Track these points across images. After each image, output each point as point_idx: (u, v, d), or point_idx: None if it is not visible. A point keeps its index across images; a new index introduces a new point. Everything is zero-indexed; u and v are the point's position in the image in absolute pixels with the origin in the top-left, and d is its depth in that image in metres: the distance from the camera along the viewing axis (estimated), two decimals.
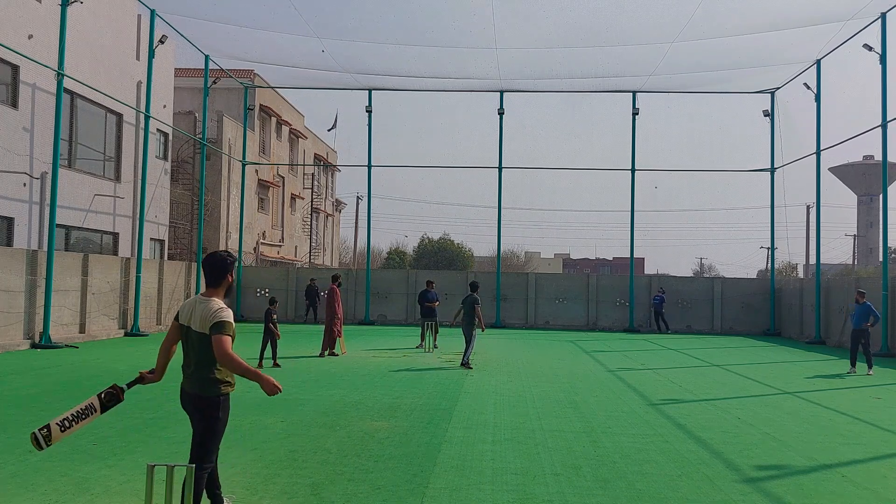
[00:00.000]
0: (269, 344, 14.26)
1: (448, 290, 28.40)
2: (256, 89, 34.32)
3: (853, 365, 15.49)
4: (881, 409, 10.84)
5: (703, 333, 28.08)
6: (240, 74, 31.59)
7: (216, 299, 4.79)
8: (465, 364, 14.46)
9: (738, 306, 28.84)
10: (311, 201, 47.70)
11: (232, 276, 4.91)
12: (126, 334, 20.81)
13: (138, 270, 21.24)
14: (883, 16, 20.77)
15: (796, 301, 26.71)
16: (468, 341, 14.80)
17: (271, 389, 4.60)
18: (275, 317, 14.24)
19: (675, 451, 7.61)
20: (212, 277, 4.86)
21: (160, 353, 4.96)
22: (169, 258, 28.55)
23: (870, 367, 15.37)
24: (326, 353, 16.34)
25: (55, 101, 18.06)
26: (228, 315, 4.69)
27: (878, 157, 25.79)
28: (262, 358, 14.20)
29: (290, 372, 13.32)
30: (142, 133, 23.51)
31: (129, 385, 4.80)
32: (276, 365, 13.95)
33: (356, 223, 58.61)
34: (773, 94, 28.51)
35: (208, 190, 31.55)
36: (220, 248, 4.14)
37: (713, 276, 41.09)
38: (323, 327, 17.39)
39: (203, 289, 4.93)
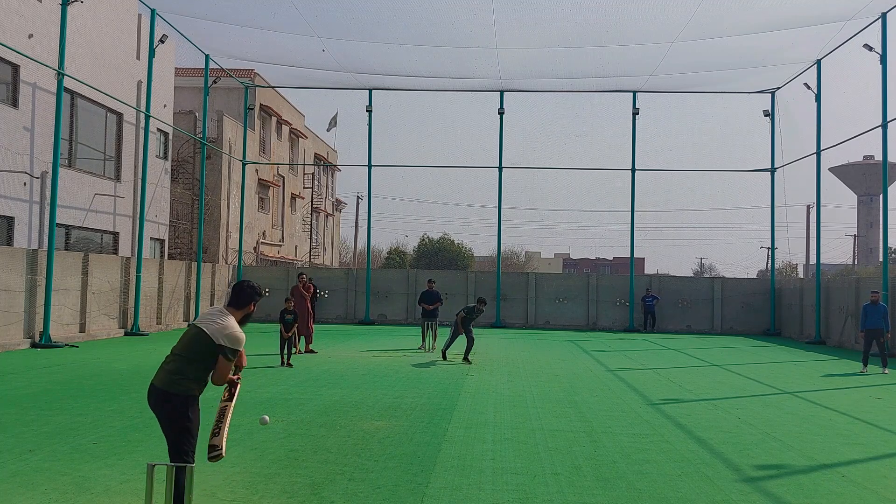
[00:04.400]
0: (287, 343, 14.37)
1: (448, 290, 28.38)
2: (256, 89, 34.31)
3: (865, 364, 15.58)
4: (881, 409, 10.84)
5: (703, 333, 28.07)
6: (240, 74, 31.59)
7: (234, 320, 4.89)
8: (466, 360, 15.58)
9: (738, 306, 28.83)
10: (312, 201, 47.69)
11: (254, 306, 5.13)
12: (126, 334, 20.81)
13: (138, 270, 21.24)
14: (883, 16, 20.77)
15: (796, 301, 26.71)
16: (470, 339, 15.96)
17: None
18: (289, 317, 14.41)
19: (675, 450, 7.61)
20: (236, 300, 5.03)
21: None
22: (169, 258, 28.56)
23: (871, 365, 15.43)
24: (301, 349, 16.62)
25: (55, 101, 18.06)
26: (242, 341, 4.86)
27: (878, 157, 25.79)
28: (283, 355, 14.28)
29: (290, 372, 13.33)
30: (142, 132, 23.51)
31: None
32: (288, 364, 14.05)
33: (356, 223, 58.68)
34: (773, 94, 28.50)
35: (208, 189, 31.55)
36: (247, 278, 4.42)
37: (713, 276, 41.08)
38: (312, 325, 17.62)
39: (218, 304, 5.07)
